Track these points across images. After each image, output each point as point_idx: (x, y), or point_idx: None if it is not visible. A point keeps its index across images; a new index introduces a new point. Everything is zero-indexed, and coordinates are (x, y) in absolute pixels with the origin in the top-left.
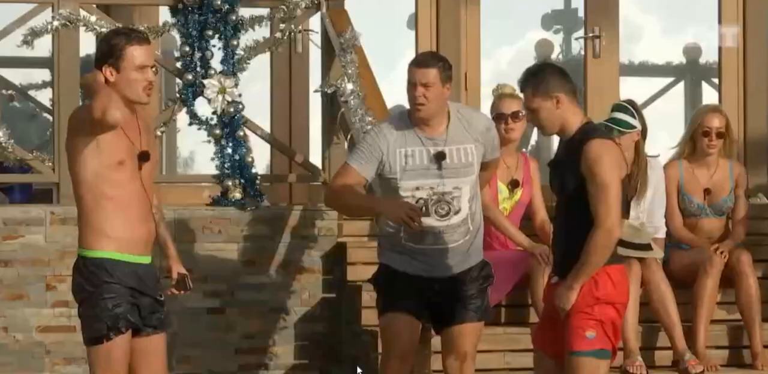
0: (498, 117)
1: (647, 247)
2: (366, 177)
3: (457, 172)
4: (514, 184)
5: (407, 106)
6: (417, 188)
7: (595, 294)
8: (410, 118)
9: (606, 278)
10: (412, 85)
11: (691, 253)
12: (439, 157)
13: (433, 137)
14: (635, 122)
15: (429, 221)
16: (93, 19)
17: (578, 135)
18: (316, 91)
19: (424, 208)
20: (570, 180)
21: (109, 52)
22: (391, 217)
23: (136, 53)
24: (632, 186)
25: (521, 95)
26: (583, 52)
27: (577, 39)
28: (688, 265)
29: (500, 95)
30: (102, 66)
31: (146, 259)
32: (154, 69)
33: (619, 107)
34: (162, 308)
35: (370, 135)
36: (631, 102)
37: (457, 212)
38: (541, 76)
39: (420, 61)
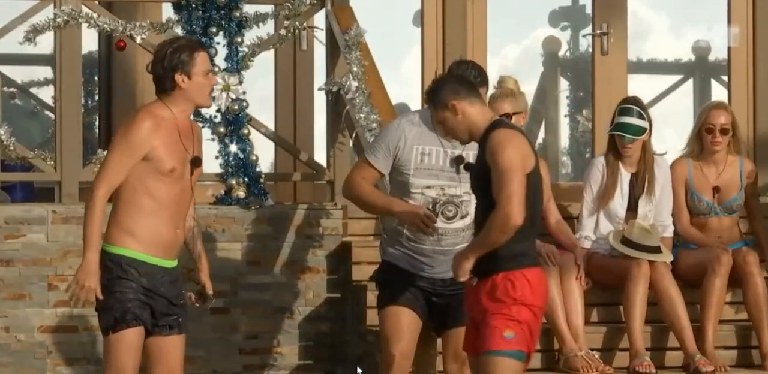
0: None
1: (657, 250)
2: (382, 171)
3: (469, 177)
4: None
5: (411, 105)
6: (428, 187)
7: (512, 295)
8: (433, 119)
9: (523, 280)
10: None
11: (698, 253)
12: (459, 161)
13: (452, 140)
14: (644, 123)
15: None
16: (95, 15)
17: (485, 132)
18: (320, 88)
19: (431, 207)
20: (482, 176)
21: (177, 59)
22: (406, 221)
23: (202, 59)
24: (639, 184)
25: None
26: (590, 49)
27: (584, 36)
28: (696, 265)
29: (493, 96)
30: (173, 74)
31: (167, 263)
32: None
33: (624, 110)
34: (180, 311)
35: (388, 129)
36: (635, 100)
37: (464, 216)
38: (435, 90)
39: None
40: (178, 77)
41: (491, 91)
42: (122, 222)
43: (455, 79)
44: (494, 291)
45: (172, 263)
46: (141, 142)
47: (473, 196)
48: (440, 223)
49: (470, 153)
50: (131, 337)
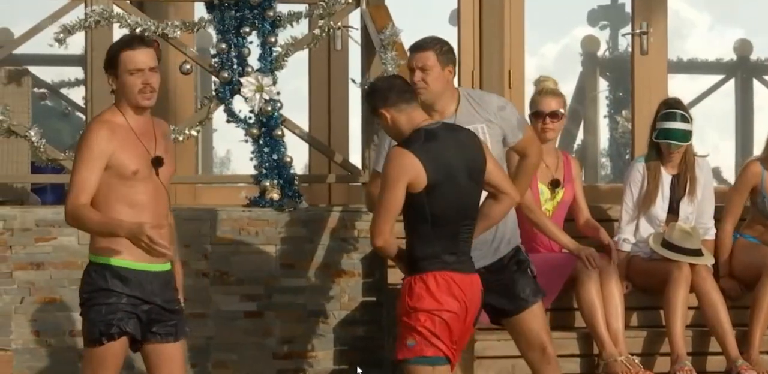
0: (535, 115)
1: (698, 253)
2: None
3: None
4: (554, 184)
5: None
6: None
7: (408, 302)
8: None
9: (421, 285)
10: (411, 70)
11: (755, 252)
12: None
13: (440, 120)
14: (689, 126)
15: None
16: (127, 15)
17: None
18: (353, 80)
19: None
20: None
21: (107, 61)
22: None
23: (127, 58)
24: (680, 186)
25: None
26: (630, 49)
27: (624, 35)
28: (749, 265)
29: (540, 91)
30: (107, 76)
31: (155, 267)
32: (151, 71)
33: (668, 115)
34: (175, 316)
35: (379, 136)
36: (677, 102)
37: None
38: (367, 94)
39: (416, 45)
40: (109, 78)
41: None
42: None
43: (387, 85)
44: (399, 296)
45: (162, 267)
46: (101, 151)
47: None
48: None
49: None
50: (114, 350)
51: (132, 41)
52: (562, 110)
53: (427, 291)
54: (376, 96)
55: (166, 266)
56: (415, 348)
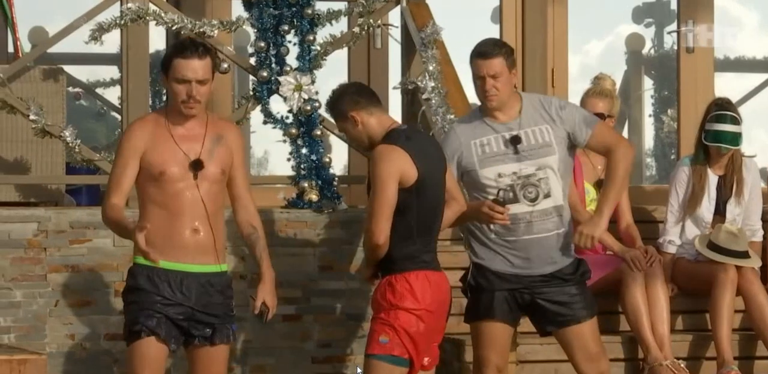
0: None
1: (745, 255)
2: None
3: (534, 153)
4: (601, 185)
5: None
6: (499, 175)
7: (390, 299)
8: (480, 110)
9: (404, 284)
10: (480, 79)
11: None
12: (515, 141)
13: (505, 123)
14: (739, 129)
15: (520, 207)
16: (163, 13)
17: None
18: (395, 88)
19: (511, 194)
20: (369, 188)
21: (163, 61)
22: (476, 219)
23: (177, 65)
24: (727, 187)
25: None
26: (676, 47)
27: (669, 33)
28: None
29: (590, 90)
30: (161, 72)
31: (193, 268)
32: (199, 84)
33: (718, 117)
34: (216, 320)
35: (443, 138)
36: (728, 103)
37: (547, 195)
38: (334, 100)
39: (482, 53)
40: (162, 77)
41: (578, 93)
42: None
43: (355, 89)
44: (376, 294)
45: (202, 267)
46: (131, 149)
47: (548, 172)
48: (526, 208)
49: (527, 130)
50: (143, 349)
51: (186, 49)
52: (606, 113)
53: (410, 291)
54: (345, 100)
55: (208, 267)
56: (387, 345)
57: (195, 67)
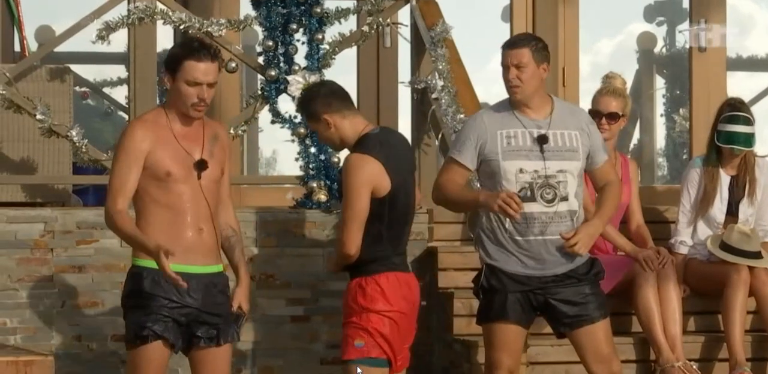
0: (593, 113)
1: (757, 255)
2: (468, 166)
3: (560, 155)
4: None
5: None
6: (521, 170)
7: (360, 302)
8: (510, 102)
9: (374, 286)
10: (505, 68)
11: None
12: (542, 140)
13: (535, 119)
14: (752, 129)
15: (535, 207)
16: (170, 12)
17: (351, 149)
18: (402, 82)
19: (529, 193)
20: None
21: (170, 61)
22: (489, 206)
23: (190, 68)
24: (740, 187)
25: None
26: (688, 46)
27: (681, 31)
28: None
29: (602, 89)
30: (164, 72)
31: (195, 269)
32: (209, 87)
33: (731, 118)
34: (219, 320)
35: (467, 123)
36: (740, 103)
37: (564, 199)
38: (305, 102)
39: (510, 42)
40: (165, 77)
41: (589, 92)
42: (144, 233)
43: (327, 90)
44: (347, 297)
45: (204, 269)
46: (135, 150)
47: (568, 176)
48: (542, 208)
49: (556, 132)
50: (150, 353)
51: (200, 52)
52: (620, 112)
53: (381, 293)
54: (317, 102)
55: (211, 268)
56: (363, 348)
57: (208, 70)
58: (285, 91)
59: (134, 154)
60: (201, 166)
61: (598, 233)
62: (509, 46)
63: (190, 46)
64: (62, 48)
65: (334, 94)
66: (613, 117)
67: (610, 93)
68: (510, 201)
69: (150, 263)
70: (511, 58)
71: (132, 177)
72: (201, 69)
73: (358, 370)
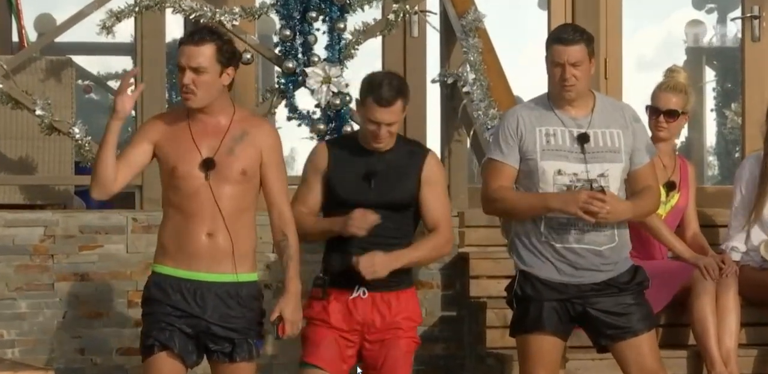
0: (651, 110)
1: None
2: (513, 164)
3: (601, 157)
4: (670, 186)
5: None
6: (559, 171)
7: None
8: (550, 100)
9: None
10: (556, 65)
11: None
12: (582, 139)
13: (576, 118)
14: None
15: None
16: None
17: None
18: (433, 80)
19: (598, 185)
20: None
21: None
22: (567, 211)
23: (179, 52)
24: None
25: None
26: (740, 35)
27: (733, 20)
28: None
29: (663, 84)
30: None
31: (207, 277)
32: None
33: None
34: (235, 334)
35: (504, 118)
36: None
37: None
38: (406, 86)
39: (563, 39)
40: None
41: (632, 85)
42: (159, 236)
43: (368, 79)
44: (408, 306)
45: (214, 277)
46: (140, 134)
47: (610, 179)
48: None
49: (597, 131)
50: (158, 365)
51: (189, 35)
52: (680, 110)
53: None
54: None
55: (225, 277)
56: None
57: (191, 53)
58: (303, 84)
59: (138, 136)
60: (207, 164)
61: (625, 217)
62: (562, 43)
63: (191, 31)
64: (63, 38)
65: (366, 83)
66: (671, 114)
67: (670, 88)
68: (592, 200)
69: (159, 268)
70: (567, 56)
71: (133, 151)
72: (184, 52)
73: (359, 370)
